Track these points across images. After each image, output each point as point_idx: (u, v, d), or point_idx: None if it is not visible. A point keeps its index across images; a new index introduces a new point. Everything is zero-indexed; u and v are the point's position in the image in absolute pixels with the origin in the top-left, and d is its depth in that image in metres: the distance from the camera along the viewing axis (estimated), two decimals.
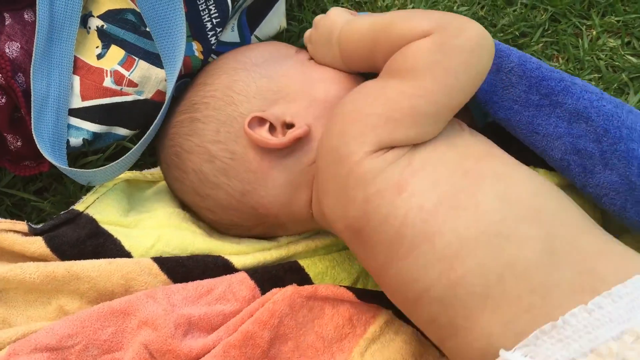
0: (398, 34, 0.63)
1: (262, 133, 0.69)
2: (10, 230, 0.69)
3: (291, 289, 0.68)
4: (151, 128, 0.74)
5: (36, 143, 0.72)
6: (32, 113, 0.73)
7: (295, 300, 0.67)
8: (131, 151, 0.73)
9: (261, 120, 0.70)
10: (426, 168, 0.60)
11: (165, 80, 0.77)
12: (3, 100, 0.74)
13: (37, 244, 0.69)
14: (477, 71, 0.62)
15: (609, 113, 0.65)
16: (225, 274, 0.71)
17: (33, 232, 0.70)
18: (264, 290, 0.70)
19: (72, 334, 0.64)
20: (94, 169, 0.73)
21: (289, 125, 0.70)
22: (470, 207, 0.57)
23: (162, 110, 0.74)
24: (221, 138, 0.71)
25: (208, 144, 0.71)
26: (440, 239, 0.57)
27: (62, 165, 0.73)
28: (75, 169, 0.73)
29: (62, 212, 0.73)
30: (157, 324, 0.64)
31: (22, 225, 0.70)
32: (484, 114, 0.74)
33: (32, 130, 0.73)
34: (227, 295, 0.69)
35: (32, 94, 0.74)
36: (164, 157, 0.76)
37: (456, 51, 0.60)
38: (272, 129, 0.70)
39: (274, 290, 0.69)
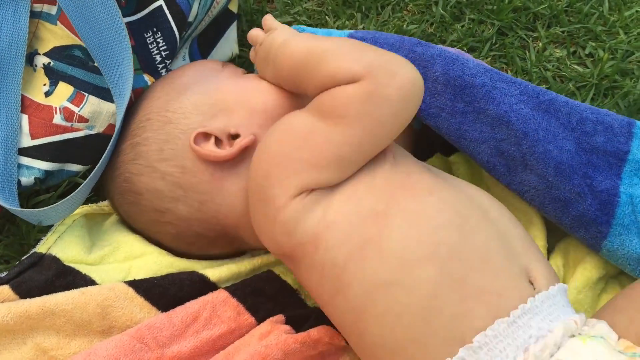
0: (328, 73, 0.63)
1: (209, 147, 0.70)
2: None
3: (285, 335, 0.67)
4: (100, 161, 0.73)
5: None
6: None
7: (290, 345, 0.66)
8: (81, 187, 0.72)
9: (206, 135, 0.71)
10: (338, 220, 0.61)
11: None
12: None
13: (4, 293, 0.68)
14: (405, 117, 0.63)
15: (527, 116, 0.70)
16: (203, 289, 0.71)
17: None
18: (247, 305, 0.70)
19: None
20: (45, 208, 0.72)
21: (235, 136, 0.71)
22: (375, 256, 0.59)
23: (110, 143, 0.73)
24: (167, 156, 0.71)
25: (155, 163, 0.71)
26: (350, 291, 0.60)
27: (12, 207, 0.72)
28: (27, 210, 0.72)
29: (24, 257, 0.72)
30: None
31: None
32: (417, 119, 0.76)
33: None
34: (212, 319, 0.69)
35: None
36: (114, 188, 0.75)
37: (386, 102, 0.61)
38: (218, 142, 0.71)
39: (268, 322, 0.69)
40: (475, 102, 0.71)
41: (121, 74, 0.74)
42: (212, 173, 0.70)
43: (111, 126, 0.78)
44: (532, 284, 0.60)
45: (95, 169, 0.73)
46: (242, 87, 0.73)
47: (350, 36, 0.77)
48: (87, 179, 0.72)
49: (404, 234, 0.60)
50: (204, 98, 0.72)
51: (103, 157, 0.73)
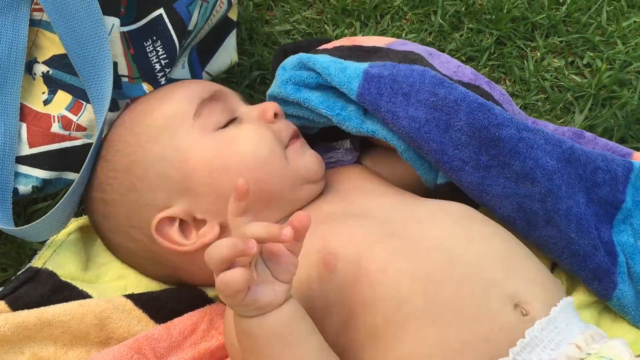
0: None
1: (173, 235, 0.67)
2: None
3: None
4: (79, 175, 0.71)
5: None
6: None
7: None
8: (62, 200, 0.71)
9: (171, 219, 0.67)
10: None
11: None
12: None
13: (0, 309, 0.68)
14: None
15: (552, 171, 0.68)
16: (200, 304, 0.71)
17: None
18: None
19: None
20: (25, 226, 0.70)
21: (201, 221, 0.67)
22: None
23: (89, 154, 0.72)
24: (135, 223, 0.69)
25: (126, 227, 0.70)
26: None
27: (4, 221, 0.72)
28: (18, 228, 0.71)
29: (19, 272, 0.72)
30: None
31: None
32: (433, 177, 0.73)
33: None
34: (210, 331, 0.69)
35: None
36: (92, 224, 0.75)
37: None
38: (183, 223, 0.68)
39: None
40: (500, 156, 0.67)
41: (101, 84, 0.73)
42: (177, 253, 0.68)
43: None
44: (522, 309, 0.58)
45: (73, 185, 0.71)
46: (210, 164, 0.67)
47: (366, 72, 0.71)
48: (65, 196, 0.71)
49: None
50: (169, 169, 0.67)
51: (81, 171, 0.71)
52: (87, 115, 0.76)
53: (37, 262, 0.72)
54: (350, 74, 0.71)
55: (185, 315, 0.70)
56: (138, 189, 0.68)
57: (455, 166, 0.68)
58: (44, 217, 0.71)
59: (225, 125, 0.70)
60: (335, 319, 0.60)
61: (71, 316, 0.67)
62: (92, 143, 0.76)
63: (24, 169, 0.75)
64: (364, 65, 0.73)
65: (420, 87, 0.69)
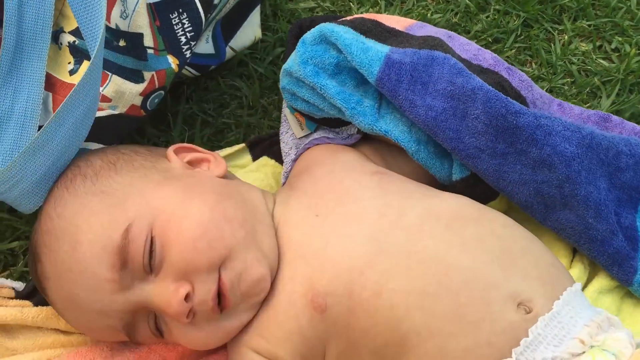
0: None
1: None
2: None
3: None
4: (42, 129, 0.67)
5: None
6: None
7: None
8: (19, 154, 0.66)
9: None
10: None
11: (140, 94, 0.76)
12: None
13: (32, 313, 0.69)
14: None
15: (571, 156, 0.67)
16: None
17: (18, 297, 0.70)
18: None
19: None
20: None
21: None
22: None
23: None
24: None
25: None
26: None
27: None
28: None
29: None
30: None
31: (8, 291, 0.70)
32: (447, 175, 0.72)
33: None
34: None
35: None
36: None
37: None
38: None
39: None
40: (517, 143, 0.67)
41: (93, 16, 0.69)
42: None
43: (134, 107, 0.77)
44: (525, 307, 0.57)
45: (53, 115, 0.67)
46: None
47: (387, 57, 0.70)
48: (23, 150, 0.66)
49: None
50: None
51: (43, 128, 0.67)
52: (112, 86, 0.76)
53: None
54: (372, 56, 0.70)
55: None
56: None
57: (471, 154, 0.68)
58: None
59: (158, 328, 0.63)
60: (334, 350, 0.60)
61: None
62: (117, 114, 0.77)
63: None
64: (385, 49, 0.71)
65: (439, 76, 0.69)
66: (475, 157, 0.68)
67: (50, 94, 0.76)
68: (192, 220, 0.60)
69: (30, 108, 0.74)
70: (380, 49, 0.71)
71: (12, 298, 0.69)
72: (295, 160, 0.76)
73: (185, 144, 0.73)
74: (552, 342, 0.55)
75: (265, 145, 0.86)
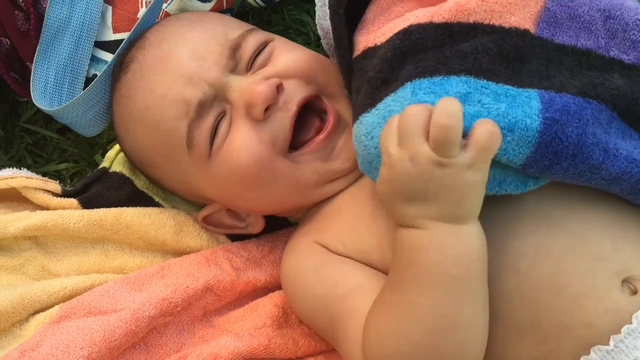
0: None
1: (224, 221, 0.65)
2: (41, 189, 0.65)
3: None
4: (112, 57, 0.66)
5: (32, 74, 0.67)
6: (40, 39, 0.67)
7: None
8: (96, 80, 0.65)
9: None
10: None
11: None
12: (27, 26, 0.68)
13: (74, 206, 0.65)
14: None
15: None
16: (278, 227, 0.67)
17: (65, 194, 0.65)
18: None
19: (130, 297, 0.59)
20: (64, 106, 0.66)
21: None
22: None
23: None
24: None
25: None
26: None
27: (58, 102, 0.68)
28: (55, 109, 0.66)
29: (93, 171, 0.69)
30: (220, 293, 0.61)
31: (55, 185, 0.66)
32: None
33: (35, 58, 0.67)
34: None
35: (45, 18, 0.67)
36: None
37: None
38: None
39: None
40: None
41: None
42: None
43: None
44: (631, 285, 0.49)
45: (106, 67, 0.65)
46: (215, 188, 0.61)
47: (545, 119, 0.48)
48: (99, 76, 0.66)
49: None
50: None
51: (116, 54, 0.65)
52: (177, 3, 0.70)
53: (104, 162, 0.69)
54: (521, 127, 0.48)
55: (263, 236, 0.66)
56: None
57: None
58: (78, 96, 0.66)
59: (216, 128, 0.59)
60: None
61: (151, 220, 0.63)
62: None
63: (105, 55, 0.71)
64: (533, 102, 0.48)
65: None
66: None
67: (110, 7, 0.71)
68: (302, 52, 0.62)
69: (88, 19, 0.69)
70: (526, 109, 0.49)
71: (58, 195, 0.65)
72: None
73: None
74: None
75: None
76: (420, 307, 0.46)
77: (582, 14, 0.51)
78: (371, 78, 0.51)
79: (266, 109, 0.56)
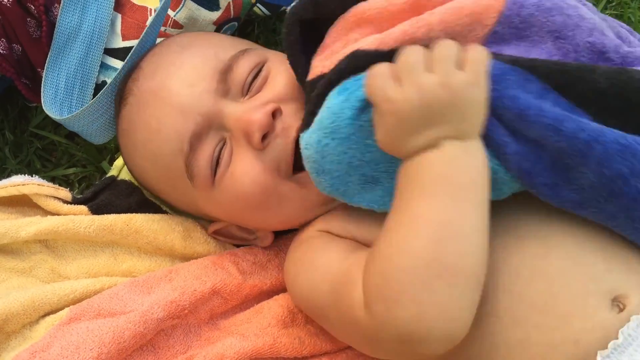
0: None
1: (235, 233, 0.67)
2: (52, 197, 0.66)
3: None
4: (120, 67, 0.67)
5: (42, 81, 0.68)
6: (51, 46, 0.68)
7: None
8: (103, 90, 0.67)
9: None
10: None
11: (214, 23, 0.72)
12: (38, 33, 0.69)
13: (84, 213, 0.66)
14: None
15: None
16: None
17: (75, 202, 0.67)
18: None
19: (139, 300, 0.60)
20: (74, 114, 0.67)
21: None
22: None
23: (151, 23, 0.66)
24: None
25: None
26: None
27: (69, 110, 0.69)
28: (65, 117, 0.67)
29: (102, 179, 0.70)
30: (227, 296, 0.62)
31: (65, 193, 0.67)
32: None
33: (46, 64, 0.68)
34: None
35: (56, 25, 0.68)
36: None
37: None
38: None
39: None
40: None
41: None
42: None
43: None
44: (620, 304, 0.50)
45: (115, 75, 0.66)
46: (222, 212, 0.62)
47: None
48: (106, 86, 0.67)
49: None
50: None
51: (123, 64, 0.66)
52: (185, 11, 0.71)
53: (112, 171, 0.70)
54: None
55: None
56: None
57: (569, 207, 0.52)
58: (86, 106, 0.67)
59: (218, 157, 0.59)
60: None
61: (160, 226, 0.64)
62: None
63: (114, 62, 0.72)
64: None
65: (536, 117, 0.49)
66: (574, 208, 0.52)
67: (120, 15, 0.72)
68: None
69: (98, 27, 0.70)
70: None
71: (68, 202, 0.66)
72: None
73: None
74: None
75: None
76: (425, 216, 0.48)
77: (530, 35, 0.53)
78: (312, 98, 0.53)
79: (264, 137, 0.56)
